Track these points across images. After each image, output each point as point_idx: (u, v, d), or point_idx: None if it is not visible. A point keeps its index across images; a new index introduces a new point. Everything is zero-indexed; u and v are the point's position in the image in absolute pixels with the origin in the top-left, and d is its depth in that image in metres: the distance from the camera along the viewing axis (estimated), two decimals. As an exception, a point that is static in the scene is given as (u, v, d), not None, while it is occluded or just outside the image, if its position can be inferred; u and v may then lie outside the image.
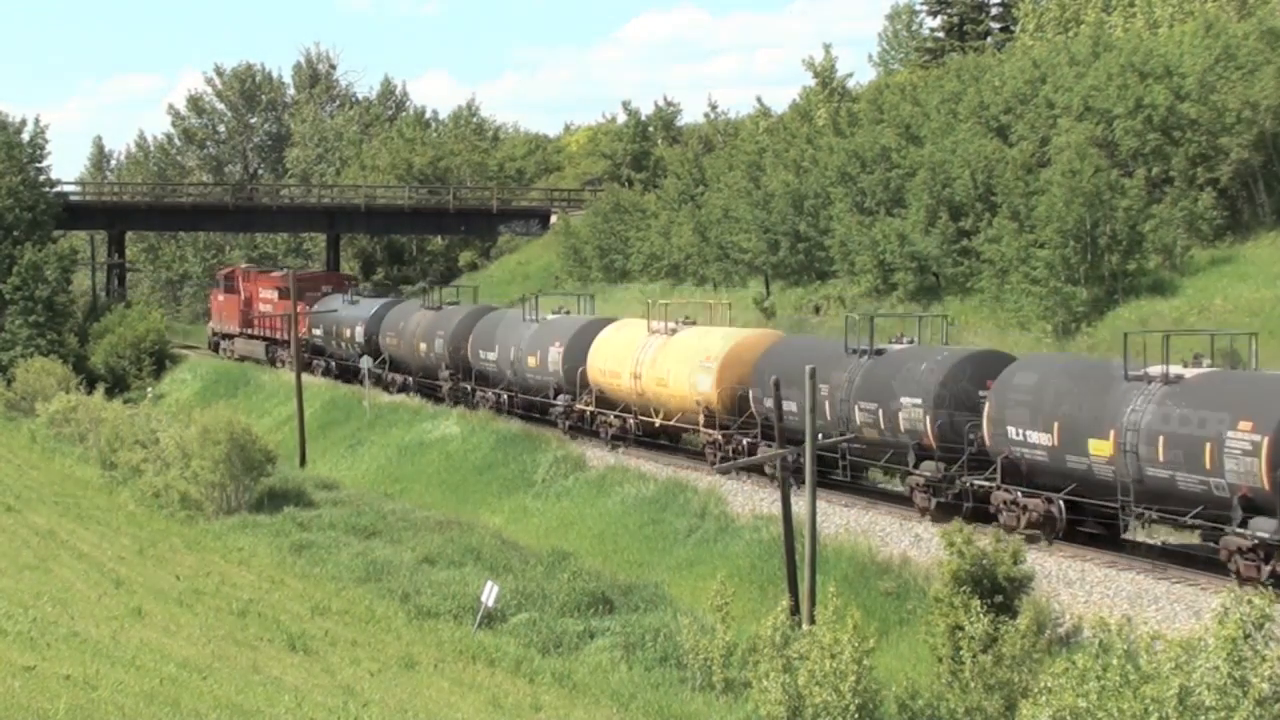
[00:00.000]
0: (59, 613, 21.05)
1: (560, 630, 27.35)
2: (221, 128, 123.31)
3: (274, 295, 70.85)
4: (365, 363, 60.05)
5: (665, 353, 40.24)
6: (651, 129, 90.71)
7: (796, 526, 27.61)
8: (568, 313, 48.91)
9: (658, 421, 40.84)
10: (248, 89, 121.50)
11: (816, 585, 26.00)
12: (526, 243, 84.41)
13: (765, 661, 20.62)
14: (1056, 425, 28.06)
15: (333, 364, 64.80)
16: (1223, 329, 33.59)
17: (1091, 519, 28.44)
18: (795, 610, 25.72)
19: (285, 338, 66.17)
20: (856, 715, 18.98)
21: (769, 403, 32.13)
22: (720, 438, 37.39)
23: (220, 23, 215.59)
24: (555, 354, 45.34)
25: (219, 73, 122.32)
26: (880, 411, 32.35)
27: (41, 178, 78.81)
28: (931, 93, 58.07)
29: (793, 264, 57.02)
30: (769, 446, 33.20)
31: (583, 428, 44.25)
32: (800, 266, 56.87)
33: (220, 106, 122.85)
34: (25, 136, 79.01)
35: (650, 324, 42.13)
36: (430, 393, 54.83)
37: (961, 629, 21.63)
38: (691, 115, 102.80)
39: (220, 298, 78.31)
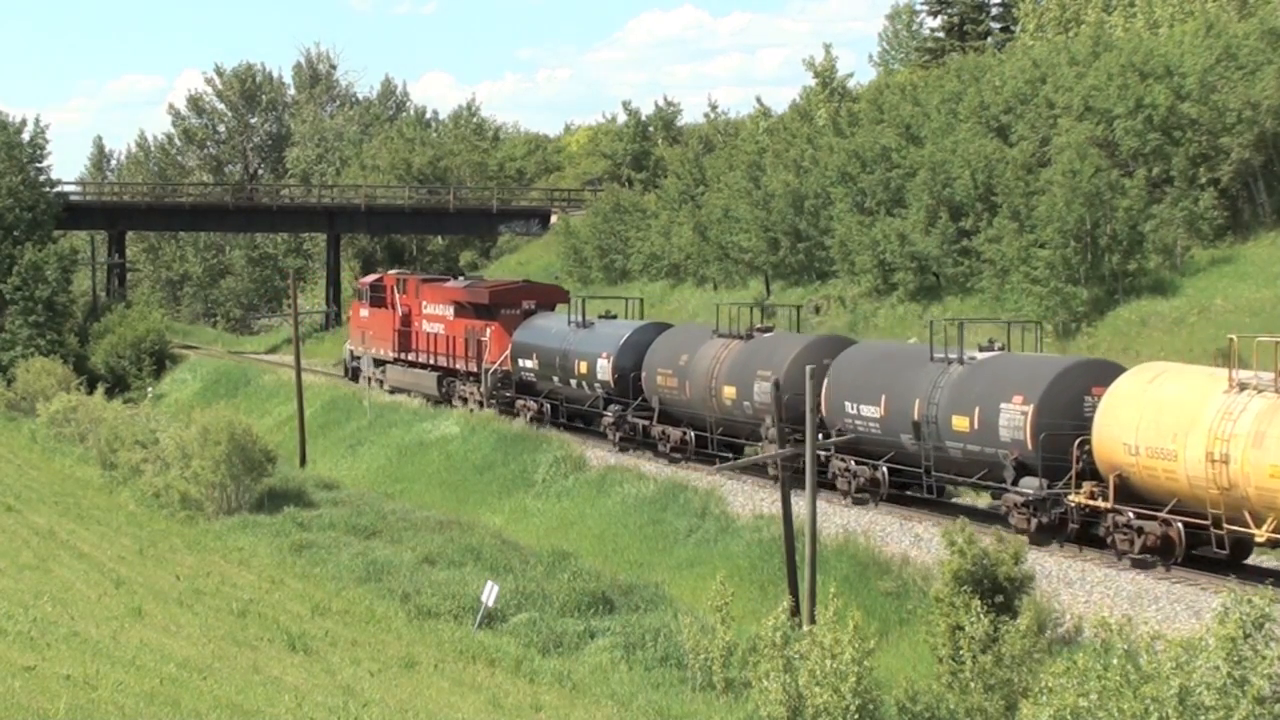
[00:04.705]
0: (59, 613, 21.03)
1: (560, 630, 27.31)
2: (221, 128, 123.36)
3: (448, 312, 55.23)
4: (365, 363, 59.74)
5: None
6: (651, 129, 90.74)
7: (797, 526, 27.62)
8: (1001, 348, 32.49)
9: (1263, 535, 24.79)
10: (248, 89, 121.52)
11: (817, 585, 26.01)
12: (526, 243, 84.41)
13: (765, 661, 20.58)
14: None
15: (548, 406, 47.60)
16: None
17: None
18: (795, 610, 25.72)
19: (470, 368, 53.18)
20: (857, 716, 18.96)
21: None
22: None
23: (220, 23, 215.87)
24: (1014, 414, 29.36)
25: (219, 73, 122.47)
26: None
27: (42, 178, 78.77)
28: (932, 93, 58.07)
29: (793, 264, 57.07)
30: None
31: (1062, 531, 28.72)
32: (800, 266, 56.91)
33: (220, 106, 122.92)
34: (25, 136, 78.95)
35: (1233, 374, 25.98)
36: (711, 455, 38.60)
37: (962, 629, 21.60)
38: (691, 115, 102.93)
39: (364, 313, 62.62)
